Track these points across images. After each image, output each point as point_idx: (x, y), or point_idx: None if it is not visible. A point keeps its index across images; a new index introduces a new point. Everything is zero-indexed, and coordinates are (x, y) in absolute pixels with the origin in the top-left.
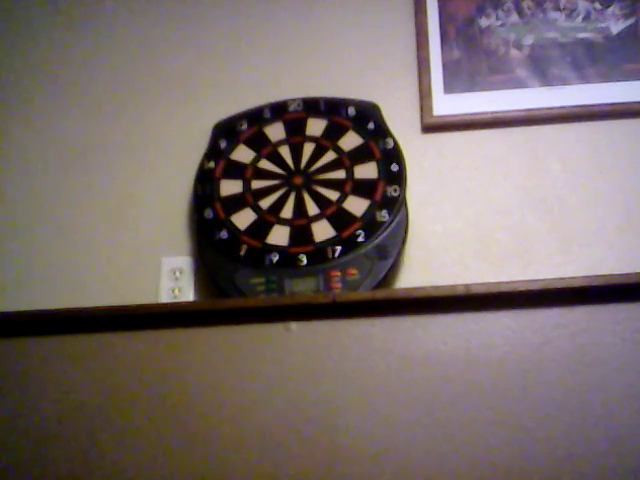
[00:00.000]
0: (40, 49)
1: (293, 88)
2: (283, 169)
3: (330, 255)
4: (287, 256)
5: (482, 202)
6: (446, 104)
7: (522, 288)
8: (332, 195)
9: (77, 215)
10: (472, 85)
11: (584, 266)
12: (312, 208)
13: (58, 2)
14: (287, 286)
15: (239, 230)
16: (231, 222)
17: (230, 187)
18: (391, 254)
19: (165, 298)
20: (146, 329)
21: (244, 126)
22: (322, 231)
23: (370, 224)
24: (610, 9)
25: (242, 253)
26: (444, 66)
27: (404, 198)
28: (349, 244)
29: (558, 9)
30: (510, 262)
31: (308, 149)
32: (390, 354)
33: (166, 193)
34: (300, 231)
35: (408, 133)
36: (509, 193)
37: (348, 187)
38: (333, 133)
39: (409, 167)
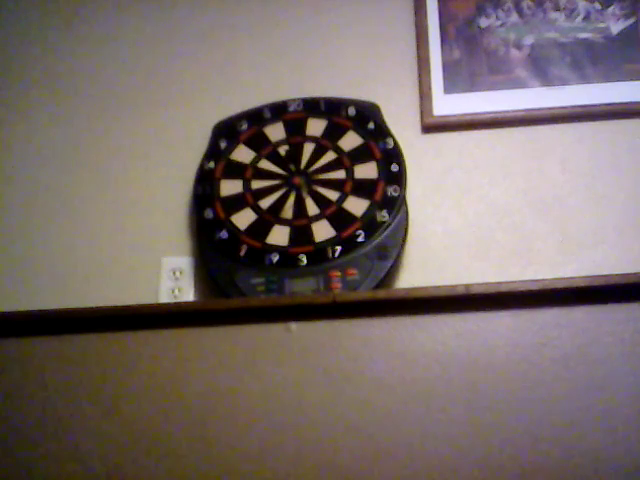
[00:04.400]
0: (41, 51)
1: (293, 88)
2: (283, 169)
3: (330, 255)
4: (287, 256)
5: (482, 202)
6: (446, 104)
7: (522, 288)
8: (332, 195)
9: (77, 215)
10: (472, 85)
11: (584, 266)
12: (312, 208)
13: (58, 4)
14: (287, 286)
15: (239, 230)
16: (231, 222)
17: (230, 187)
18: (391, 254)
19: (165, 298)
20: (146, 329)
21: (244, 126)
22: (322, 231)
23: (370, 224)
24: (610, 9)
25: (242, 253)
26: (444, 66)
27: (404, 198)
28: (349, 244)
29: (558, 9)
30: (510, 262)
31: (308, 149)
32: (390, 354)
33: (166, 193)
34: (300, 231)
35: (408, 133)
36: (509, 193)
37: (348, 187)
38: (333, 133)
39: (409, 167)
